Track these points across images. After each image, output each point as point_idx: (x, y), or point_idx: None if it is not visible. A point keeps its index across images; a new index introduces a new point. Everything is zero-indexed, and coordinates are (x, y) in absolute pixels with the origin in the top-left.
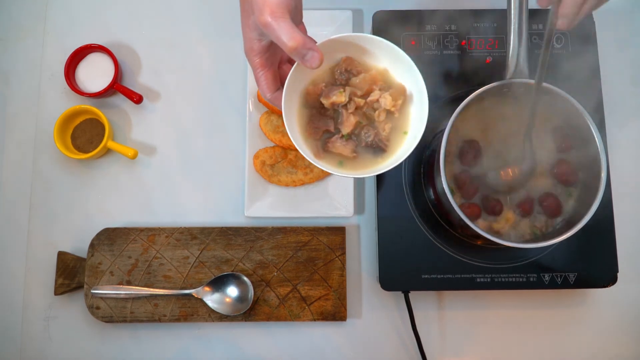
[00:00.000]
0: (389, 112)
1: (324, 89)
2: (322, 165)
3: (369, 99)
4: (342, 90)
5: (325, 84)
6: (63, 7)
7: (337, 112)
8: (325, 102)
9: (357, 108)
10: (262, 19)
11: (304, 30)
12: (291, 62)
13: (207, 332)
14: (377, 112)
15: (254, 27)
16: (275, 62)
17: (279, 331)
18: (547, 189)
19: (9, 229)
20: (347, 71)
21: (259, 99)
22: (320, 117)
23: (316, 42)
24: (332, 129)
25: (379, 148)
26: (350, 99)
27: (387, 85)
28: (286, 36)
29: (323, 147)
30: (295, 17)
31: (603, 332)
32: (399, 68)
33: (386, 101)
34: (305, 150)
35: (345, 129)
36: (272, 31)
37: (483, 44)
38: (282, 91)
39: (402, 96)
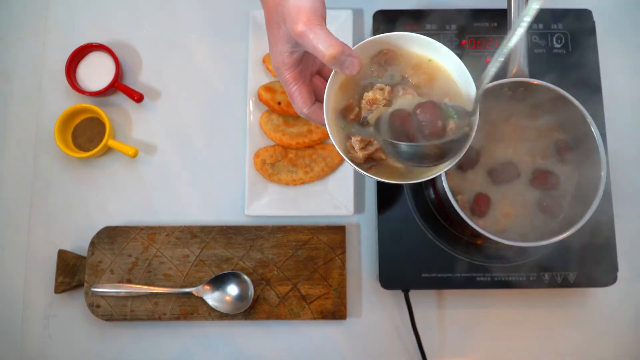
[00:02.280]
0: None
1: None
2: (374, 176)
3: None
4: (382, 86)
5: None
6: (64, 6)
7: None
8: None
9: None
10: (297, 28)
11: None
12: (320, 74)
13: (207, 331)
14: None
15: (287, 39)
16: (308, 75)
17: (279, 330)
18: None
19: (10, 227)
20: (386, 63)
21: (260, 97)
22: (362, 128)
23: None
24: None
25: None
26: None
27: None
28: (324, 44)
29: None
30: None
31: (603, 332)
32: (439, 60)
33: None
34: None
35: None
36: (308, 41)
37: (483, 43)
38: (318, 105)
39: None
